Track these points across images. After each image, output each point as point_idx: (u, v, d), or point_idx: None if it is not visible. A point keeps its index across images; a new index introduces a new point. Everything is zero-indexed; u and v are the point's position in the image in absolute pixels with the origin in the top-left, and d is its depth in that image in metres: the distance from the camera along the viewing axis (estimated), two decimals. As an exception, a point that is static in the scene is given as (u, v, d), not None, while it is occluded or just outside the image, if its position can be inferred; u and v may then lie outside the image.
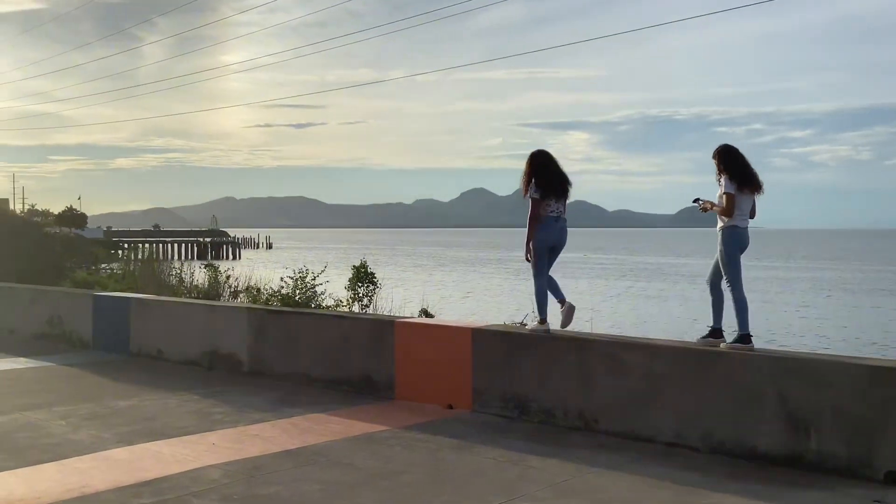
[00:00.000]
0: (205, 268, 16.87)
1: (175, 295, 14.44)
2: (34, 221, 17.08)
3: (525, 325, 8.53)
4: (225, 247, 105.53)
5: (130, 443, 6.45)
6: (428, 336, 8.06)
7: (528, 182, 7.37)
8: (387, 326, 8.36)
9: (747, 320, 6.48)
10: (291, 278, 10.37)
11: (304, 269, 10.42)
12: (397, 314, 14.78)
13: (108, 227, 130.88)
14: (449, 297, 37.60)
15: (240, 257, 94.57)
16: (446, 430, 6.86)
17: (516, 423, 7.15)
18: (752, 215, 6.71)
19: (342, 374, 8.68)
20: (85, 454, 6.10)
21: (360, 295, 13.83)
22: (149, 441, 6.50)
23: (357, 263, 13.87)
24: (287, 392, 8.58)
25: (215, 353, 9.94)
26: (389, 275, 47.78)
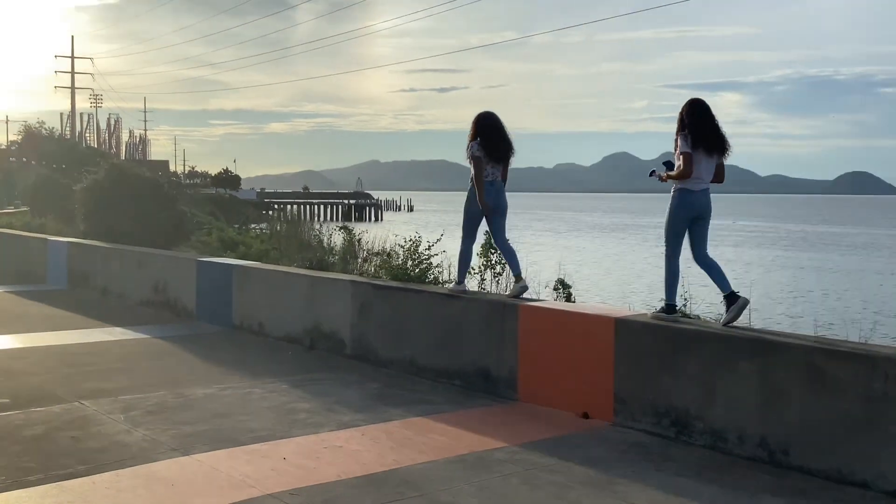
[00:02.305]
0: (340, 230, 16.22)
1: (315, 257, 13.67)
2: (156, 180, 16.43)
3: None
4: (368, 209, 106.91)
5: (186, 451, 5.23)
6: (559, 324, 6.45)
7: (471, 142, 7.24)
8: (509, 310, 6.81)
9: (675, 291, 6.11)
10: (402, 247, 9.02)
11: (417, 237, 9.01)
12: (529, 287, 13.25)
13: (262, 189, 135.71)
14: (586, 268, 35.59)
15: (382, 219, 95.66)
16: (580, 454, 5.27)
17: (673, 448, 5.45)
18: (719, 179, 6.17)
19: (455, 364, 7.22)
20: (126, 466, 4.93)
21: (493, 262, 12.42)
22: (209, 449, 5.27)
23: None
24: (389, 383, 7.23)
25: (317, 330, 8.72)
26: (526, 239, 46.20)
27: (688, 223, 6.10)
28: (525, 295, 7.13)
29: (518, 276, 7.27)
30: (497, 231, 7.55)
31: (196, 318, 10.51)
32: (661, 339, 5.74)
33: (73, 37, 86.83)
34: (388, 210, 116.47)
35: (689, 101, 6.12)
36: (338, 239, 16.66)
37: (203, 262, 10.70)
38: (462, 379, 7.14)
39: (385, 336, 7.95)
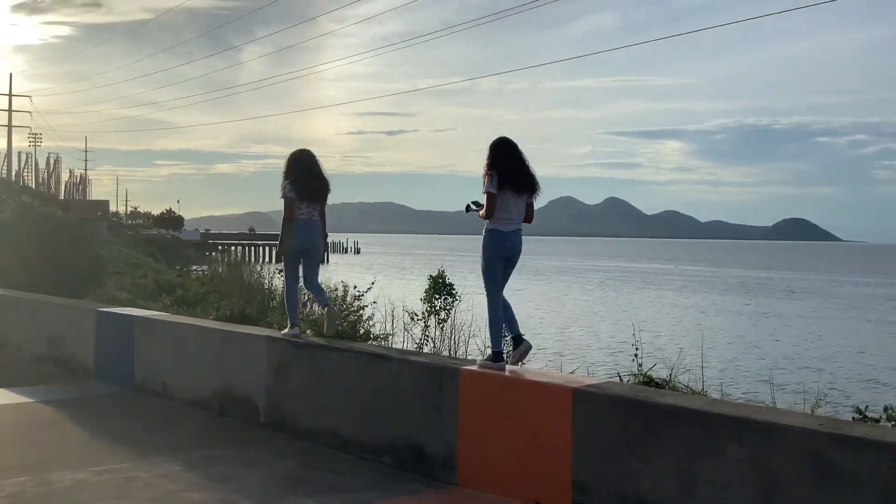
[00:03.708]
0: (281, 272, 15.15)
1: (256, 300, 12.64)
2: (68, 219, 15.09)
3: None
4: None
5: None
6: (507, 394, 5.41)
7: (283, 182, 7.11)
8: (448, 375, 5.75)
9: (500, 338, 5.84)
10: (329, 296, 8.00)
11: (343, 286, 8.00)
12: (475, 338, 12.24)
13: (206, 230, 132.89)
14: (539, 316, 34.72)
15: (328, 262, 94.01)
16: (532, 565, 4.21)
17: (646, 552, 4.43)
18: (529, 220, 5.96)
19: (384, 438, 6.11)
20: None
21: (437, 308, 11.48)
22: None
23: (436, 272, 11.50)
24: (305, 462, 6.08)
25: (228, 394, 7.54)
26: (473, 284, 45.33)
27: (502, 262, 5.90)
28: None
29: (325, 306, 7.13)
30: (309, 273, 7.36)
31: (94, 377, 9.22)
32: (630, 415, 4.73)
33: (10, 74, 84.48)
34: (334, 252, 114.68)
35: (496, 140, 5.92)
36: (279, 282, 15.59)
37: (103, 312, 9.43)
38: (392, 456, 6.03)
39: (305, 403, 6.81)
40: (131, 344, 8.74)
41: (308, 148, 7.34)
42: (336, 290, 8.27)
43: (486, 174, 5.77)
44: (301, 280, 7.50)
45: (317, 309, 8.75)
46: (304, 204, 7.10)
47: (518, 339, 5.93)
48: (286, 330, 7.22)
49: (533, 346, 5.91)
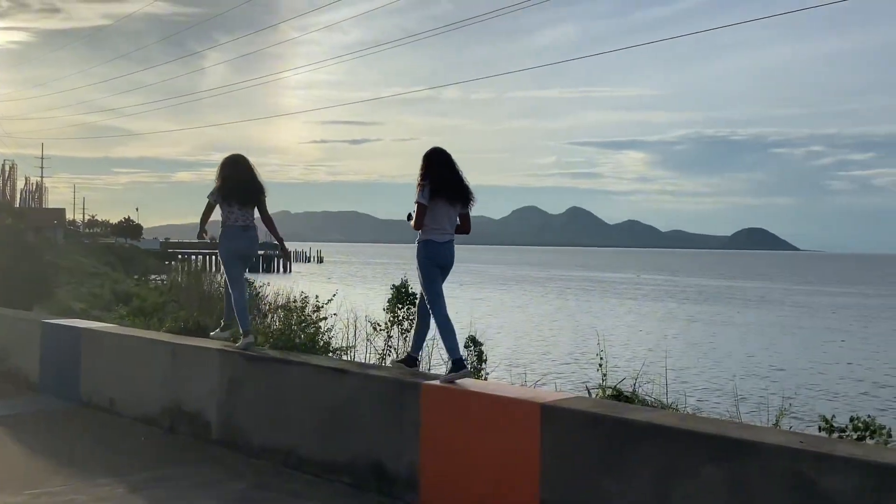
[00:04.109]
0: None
1: (215, 311, 12.28)
2: (15, 227, 14.56)
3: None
4: (276, 260, 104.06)
5: None
6: (471, 409, 5.15)
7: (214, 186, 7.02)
8: (410, 390, 5.48)
9: (456, 344, 5.70)
10: (286, 308, 7.64)
11: (303, 296, 7.69)
12: (440, 350, 11.97)
13: (166, 239, 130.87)
14: (500, 325, 34.56)
15: (290, 271, 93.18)
16: None
17: (619, 579, 4.19)
18: (465, 230, 5.95)
19: (343, 457, 5.81)
20: None
21: (400, 318, 11.16)
22: None
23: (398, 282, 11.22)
24: (259, 482, 5.76)
25: (178, 409, 7.18)
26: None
27: (438, 273, 5.84)
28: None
29: (246, 332, 6.85)
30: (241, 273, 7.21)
31: (39, 391, 8.79)
32: (602, 432, 4.49)
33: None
34: (297, 261, 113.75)
35: (429, 150, 5.86)
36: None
37: (48, 324, 9.00)
38: (351, 475, 5.73)
39: (259, 419, 6.49)
40: (77, 357, 8.33)
41: (242, 153, 7.14)
42: (295, 301, 7.95)
43: (419, 185, 5.72)
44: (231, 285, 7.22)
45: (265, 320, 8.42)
46: (236, 209, 6.97)
47: (411, 360, 5.91)
48: (241, 341, 6.91)
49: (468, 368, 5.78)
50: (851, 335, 35.54)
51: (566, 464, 4.61)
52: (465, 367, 5.63)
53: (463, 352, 11.17)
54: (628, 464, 4.34)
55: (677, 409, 5.78)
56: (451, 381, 5.41)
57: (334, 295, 8.51)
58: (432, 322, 5.90)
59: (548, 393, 5.50)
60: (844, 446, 3.74)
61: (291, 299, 9.02)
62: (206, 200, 6.98)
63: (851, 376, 23.61)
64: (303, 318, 7.54)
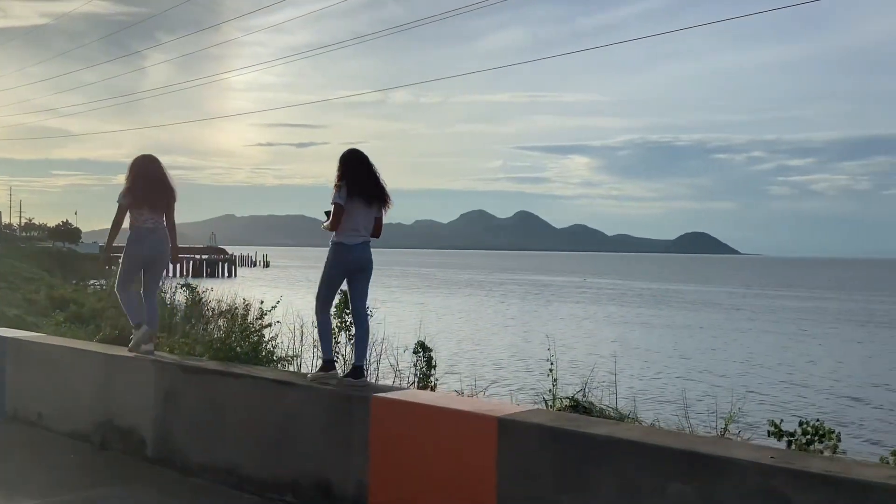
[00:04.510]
0: (182, 287, 14.25)
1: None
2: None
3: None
4: (221, 264, 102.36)
5: None
6: (424, 424, 4.87)
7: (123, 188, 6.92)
8: (358, 404, 5.17)
9: (330, 347, 5.86)
10: (227, 315, 7.26)
11: (245, 302, 7.33)
12: (388, 354, 11.66)
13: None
14: (451, 330, 34.35)
15: (236, 275, 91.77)
16: None
17: None
18: (376, 234, 5.90)
19: (286, 475, 5.48)
20: None
21: (348, 323, 10.87)
22: None
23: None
24: (197, 502, 5.40)
25: (111, 424, 6.75)
26: (386, 298, 44.59)
27: (343, 277, 5.86)
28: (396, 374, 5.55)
29: (138, 324, 6.84)
30: (150, 285, 7.09)
31: (-38, 405, 8.23)
32: (562, 447, 4.25)
33: None
34: (242, 266, 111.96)
35: (346, 151, 5.87)
36: (181, 297, 14.68)
37: (-30, 334, 8.45)
38: (296, 494, 5.40)
39: (197, 434, 6.11)
40: (2, 368, 7.83)
41: (153, 154, 7.03)
42: (237, 307, 7.58)
43: (336, 185, 5.69)
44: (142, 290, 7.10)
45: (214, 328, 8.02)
46: (146, 211, 6.81)
47: (358, 371, 5.70)
48: (134, 333, 6.94)
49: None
50: (791, 337, 36.15)
51: (524, 481, 4.36)
52: (334, 368, 5.73)
53: (411, 359, 10.93)
54: (590, 481, 4.10)
55: (635, 419, 5.59)
56: (316, 380, 5.56)
57: (279, 301, 8.14)
58: (370, 326, 6.05)
59: (504, 405, 5.25)
60: (819, 462, 3.56)
61: (233, 306, 8.63)
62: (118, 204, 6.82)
63: (793, 379, 23.93)
64: (245, 325, 7.17)
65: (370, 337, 6.42)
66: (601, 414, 5.45)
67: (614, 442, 4.05)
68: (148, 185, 6.81)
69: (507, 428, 4.46)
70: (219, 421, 5.96)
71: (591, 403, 5.68)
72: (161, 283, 12.60)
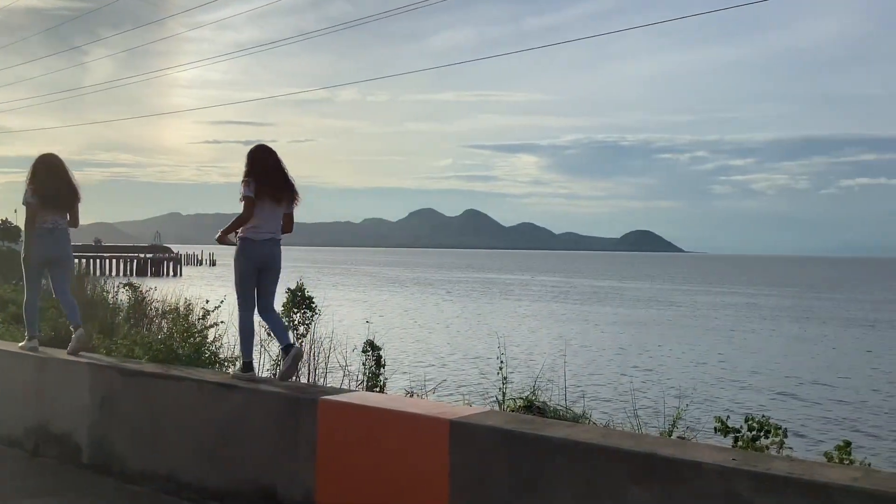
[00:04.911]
0: (125, 286, 13.82)
1: (98, 317, 11.38)
2: None
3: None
4: (166, 263, 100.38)
5: None
6: (374, 427, 4.69)
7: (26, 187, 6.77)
8: (305, 407, 4.97)
9: (251, 348, 5.78)
10: (167, 315, 6.98)
11: (186, 302, 7.06)
12: (335, 352, 11.43)
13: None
14: (399, 329, 34.15)
15: (181, 274, 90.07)
16: None
17: None
18: (288, 229, 5.87)
19: (229, 481, 5.25)
20: None
21: (296, 322, 10.59)
22: None
23: (294, 285, 10.65)
24: (134, 514, 5.14)
25: (44, 430, 6.42)
26: (335, 296, 44.19)
27: (256, 272, 5.75)
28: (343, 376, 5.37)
29: (76, 325, 6.71)
30: (59, 285, 6.97)
31: None
32: (517, 451, 4.11)
33: None
34: (188, 265, 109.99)
35: (254, 147, 5.83)
36: (124, 296, 14.23)
37: None
38: (239, 501, 5.17)
39: (136, 440, 5.83)
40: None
41: (55, 153, 6.94)
42: (178, 306, 7.29)
43: (243, 181, 5.64)
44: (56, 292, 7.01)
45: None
46: (50, 211, 6.74)
47: (287, 348, 5.69)
48: (23, 343, 6.85)
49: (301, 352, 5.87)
50: (732, 333, 36.77)
51: (478, 486, 4.21)
52: (252, 370, 5.66)
53: (359, 357, 10.71)
54: (546, 485, 3.97)
55: (589, 419, 5.49)
56: (239, 378, 5.48)
57: (222, 300, 7.86)
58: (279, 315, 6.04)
59: (456, 408, 5.09)
60: (781, 464, 3.47)
61: (176, 305, 8.33)
62: (27, 204, 6.74)
63: (736, 374, 24.28)
64: (187, 326, 6.89)
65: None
66: (555, 414, 5.34)
67: (571, 445, 3.93)
68: (53, 185, 6.74)
69: (460, 431, 4.30)
70: (158, 426, 5.70)
71: (545, 404, 5.56)
72: (76, 282, 12.17)
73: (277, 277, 5.84)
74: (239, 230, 5.66)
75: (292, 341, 5.77)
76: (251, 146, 5.83)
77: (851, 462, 6.88)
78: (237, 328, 5.83)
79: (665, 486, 3.59)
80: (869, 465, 7.11)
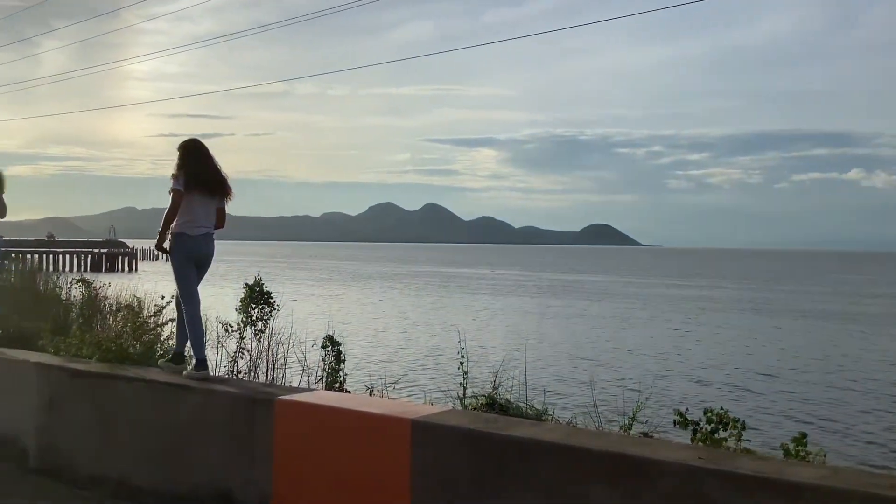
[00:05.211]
0: (78, 282, 13.44)
1: (50, 315, 11.07)
2: None
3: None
4: (121, 258, 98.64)
5: None
6: (332, 427, 4.56)
7: None
8: (261, 406, 4.83)
9: (202, 344, 5.65)
10: (116, 312, 6.77)
11: (137, 299, 6.85)
12: (294, 349, 11.25)
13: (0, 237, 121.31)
14: (359, 324, 33.95)
15: (136, 269, 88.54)
16: None
17: None
18: (220, 224, 5.88)
19: (183, 484, 5.08)
20: None
21: (254, 318, 10.39)
22: None
23: (252, 280, 10.45)
24: (83, 520, 4.95)
25: (-11, 434, 6.18)
26: (294, 291, 43.77)
27: (192, 267, 5.75)
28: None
29: None
30: None
31: None
32: (480, 451, 4.02)
33: None
34: (144, 260, 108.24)
35: (185, 141, 5.82)
36: (77, 292, 13.86)
37: None
38: (194, 505, 5.02)
39: (86, 444, 5.64)
40: None
41: None
42: (131, 303, 7.08)
43: (174, 175, 5.63)
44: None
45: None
46: None
47: (200, 364, 5.54)
48: None
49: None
50: (690, 326, 37.20)
51: (440, 487, 4.11)
52: (206, 368, 5.58)
53: (319, 352, 10.53)
54: (510, 486, 3.89)
55: (552, 417, 5.43)
56: (193, 378, 5.40)
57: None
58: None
59: (418, 406, 4.98)
60: (749, 462, 3.42)
61: (128, 302, 8.09)
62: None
63: (693, 367, 24.53)
64: (139, 323, 6.67)
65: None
66: (518, 412, 5.27)
67: (536, 444, 3.85)
68: None
69: (422, 431, 4.20)
70: (109, 428, 5.52)
71: (508, 401, 5.49)
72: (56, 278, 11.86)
73: (205, 271, 5.87)
74: (173, 226, 5.64)
75: (186, 352, 5.76)
76: (188, 143, 5.79)
77: (808, 454, 6.93)
78: (186, 325, 5.72)
79: (631, 486, 3.53)
80: (825, 455, 7.19)
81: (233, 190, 5.82)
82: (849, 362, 26.25)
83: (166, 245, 5.74)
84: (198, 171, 5.63)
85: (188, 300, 5.70)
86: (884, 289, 74.33)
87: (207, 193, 5.66)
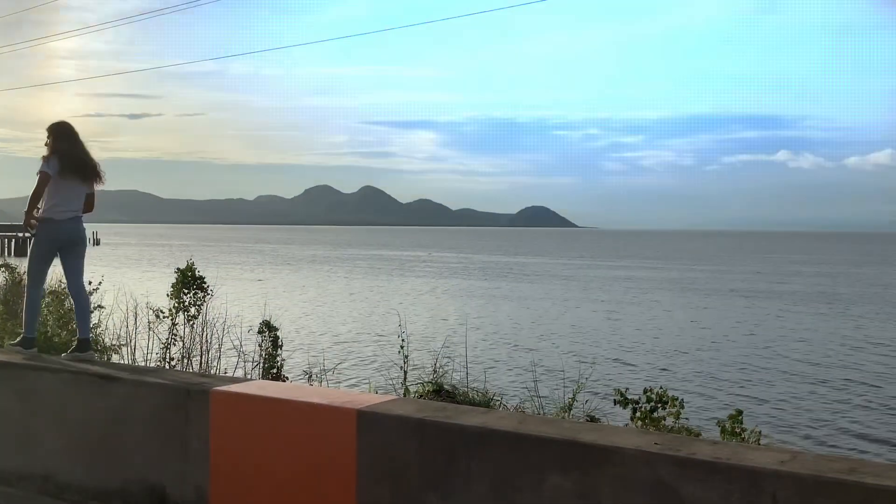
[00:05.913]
0: (1, 267, 12.83)
1: None
2: None
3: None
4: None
5: None
6: (273, 419, 4.35)
7: None
8: (195, 397, 4.58)
9: (35, 324, 5.72)
10: (44, 299, 6.43)
11: (63, 286, 6.51)
12: (230, 335, 10.95)
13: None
14: (296, 309, 33.49)
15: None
16: None
17: None
18: (89, 208, 5.84)
19: (113, 481, 4.81)
20: None
21: (187, 304, 10.05)
22: None
23: (184, 265, 10.09)
24: (4, 521, 4.66)
25: None
26: (227, 276, 42.94)
27: (53, 253, 5.74)
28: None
29: None
30: None
31: None
32: (429, 440, 3.87)
33: None
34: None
35: (55, 124, 5.75)
36: (1, 278, 13.31)
37: None
38: (125, 502, 4.76)
39: (7, 439, 5.30)
40: None
41: None
42: (56, 289, 6.72)
43: (44, 157, 5.57)
44: None
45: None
46: None
47: (84, 344, 5.61)
48: None
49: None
50: (624, 307, 37.75)
51: (388, 478, 3.95)
52: (34, 346, 5.59)
53: (255, 338, 10.25)
54: (461, 476, 3.75)
55: (500, 402, 5.31)
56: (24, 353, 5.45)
57: (100, 282, 7.31)
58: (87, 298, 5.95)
59: (364, 396, 4.80)
60: (706, 448, 3.34)
61: (53, 289, 7.71)
62: None
63: (629, 347, 24.87)
64: (64, 311, 6.34)
65: (91, 308, 6.40)
66: (466, 399, 5.14)
67: (487, 433, 3.71)
68: None
69: (368, 421, 4.03)
70: (31, 422, 5.19)
71: (455, 388, 5.34)
72: None
73: (84, 251, 5.80)
74: (39, 210, 5.54)
75: (89, 336, 5.73)
76: (58, 126, 5.71)
77: (744, 430, 6.99)
78: (24, 304, 5.71)
79: (586, 474, 3.42)
80: (759, 432, 7.25)
81: (103, 175, 5.79)
82: (774, 341, 26.94)
83: (34, 226, 5.64)
84: (71, 154, 5.58)
85: (32, 283, 5.70)
86: (807, 267, 76.76)
87: (80, 178, 5.62)
